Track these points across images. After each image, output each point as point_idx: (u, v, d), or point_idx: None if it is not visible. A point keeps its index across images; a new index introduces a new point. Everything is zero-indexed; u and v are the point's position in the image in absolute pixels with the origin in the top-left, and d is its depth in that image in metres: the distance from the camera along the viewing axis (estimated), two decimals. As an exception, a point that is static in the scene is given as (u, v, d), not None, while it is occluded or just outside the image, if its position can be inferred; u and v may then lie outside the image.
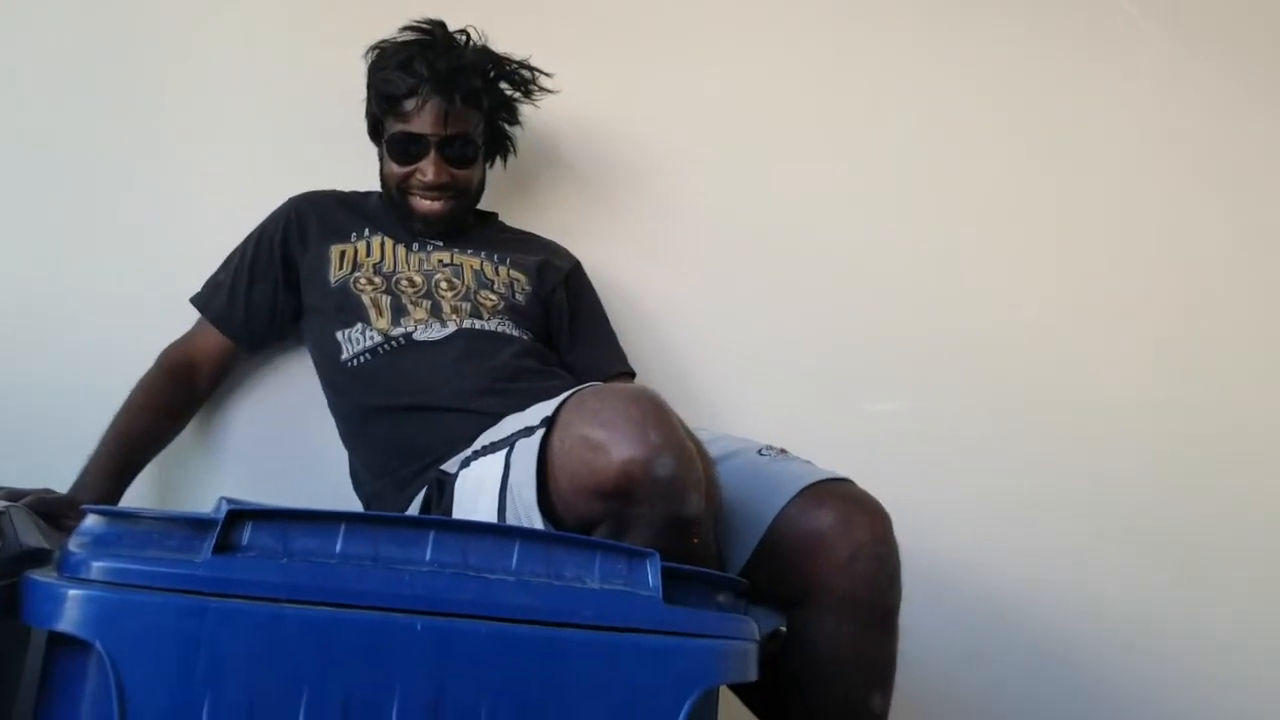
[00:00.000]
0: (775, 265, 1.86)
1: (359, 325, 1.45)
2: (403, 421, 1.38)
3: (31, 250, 1.61)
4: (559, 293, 1.61)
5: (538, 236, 1.69)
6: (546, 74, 1.61)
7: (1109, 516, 1.87)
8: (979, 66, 1.99)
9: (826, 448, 1.31)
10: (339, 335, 1.46)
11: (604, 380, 1.53)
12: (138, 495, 1.46)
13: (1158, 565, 1.87)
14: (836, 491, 1.20)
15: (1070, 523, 1.85)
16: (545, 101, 1.64)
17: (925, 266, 1.91)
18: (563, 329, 1.61)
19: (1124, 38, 2.02)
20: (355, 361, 1.44)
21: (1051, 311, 1.94)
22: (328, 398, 1.51)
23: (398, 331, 1.44)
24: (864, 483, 1.24)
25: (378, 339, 1.44)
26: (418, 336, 1.44)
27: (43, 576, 0.80)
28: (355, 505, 1.47)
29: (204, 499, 1.56)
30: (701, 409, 1.67)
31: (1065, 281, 1.95)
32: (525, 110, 1.64)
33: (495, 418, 1.25)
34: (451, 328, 1.45)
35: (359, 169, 1.61)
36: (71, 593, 0.77)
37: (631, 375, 1.64)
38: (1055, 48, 2.01)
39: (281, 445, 1.61)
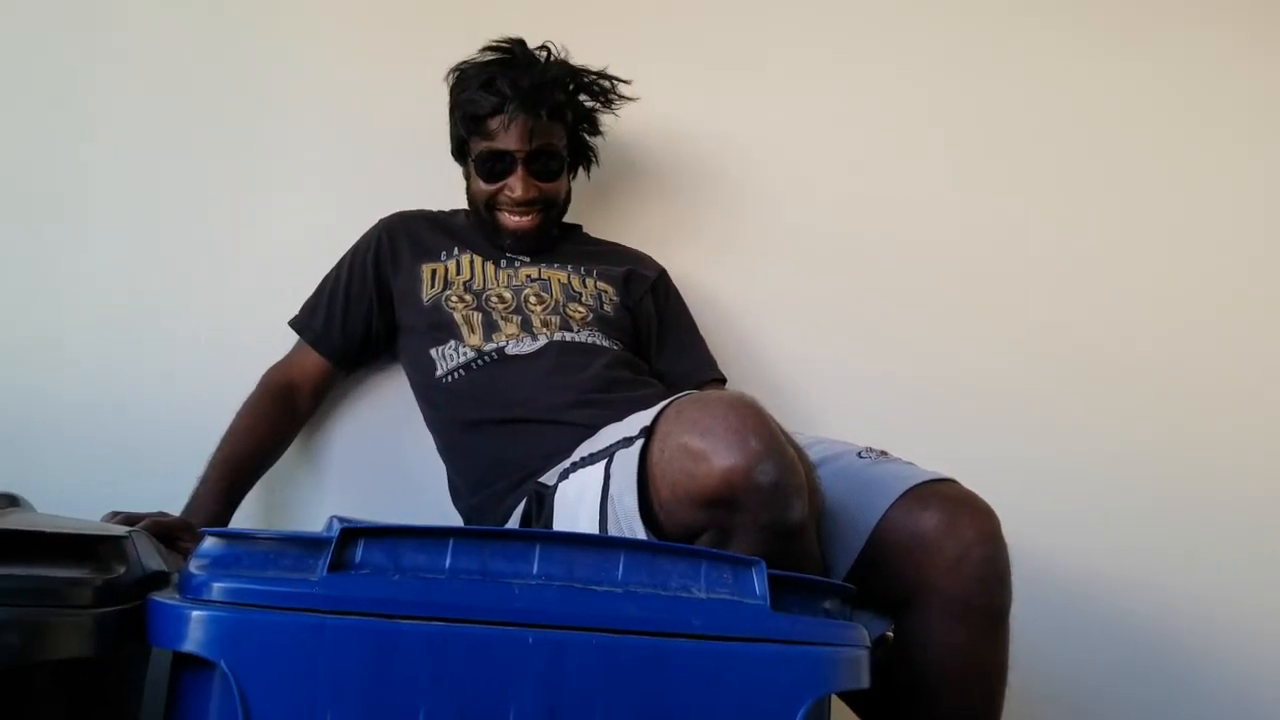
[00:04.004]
0: (862, 269, 1.84)
1: (452, 342, 1.47)
2: (499, 435, 1.40)
3: (129, 280, 1.65)
4: (646, 301, 1.61)
5: (623, 246, 1.69)
6: (625, 81, 1.61)
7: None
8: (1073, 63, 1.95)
9: (920, 451, 1.29)
10: (433, 352, 1.48)
11: (696, 388, 1.53)
12: (245, 515, 1.49)
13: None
14: (941, 492, 1.17)
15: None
16: (625, 110, 1.64)
17: (1018, 268, 1.87)
18: (651, 337, 1.61)
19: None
20: (450, 378, 1.46)
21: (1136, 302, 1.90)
22: (424, 414, 1.53)
23: (490, 347, 1.46)
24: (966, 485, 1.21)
25: (471, 355, 1.46)
26: (510, 350, 1.45)
27: (166, 599, 0.83)
28: (454, 519, 1.49)
29: (307, 517, 1.60)
30: (791, 415, 1.65)
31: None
32: (605, 119, 1.65)
33: (591, 429, 1.25)
34: (543, 340, 1.46)
35: (446, 189, 1.63)
36: (195, 614, 0.79)
37: (723, 381, 1.63)
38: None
39: (381, 462, 1.64)
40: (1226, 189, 1.95)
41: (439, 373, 1.47)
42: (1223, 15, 1.99)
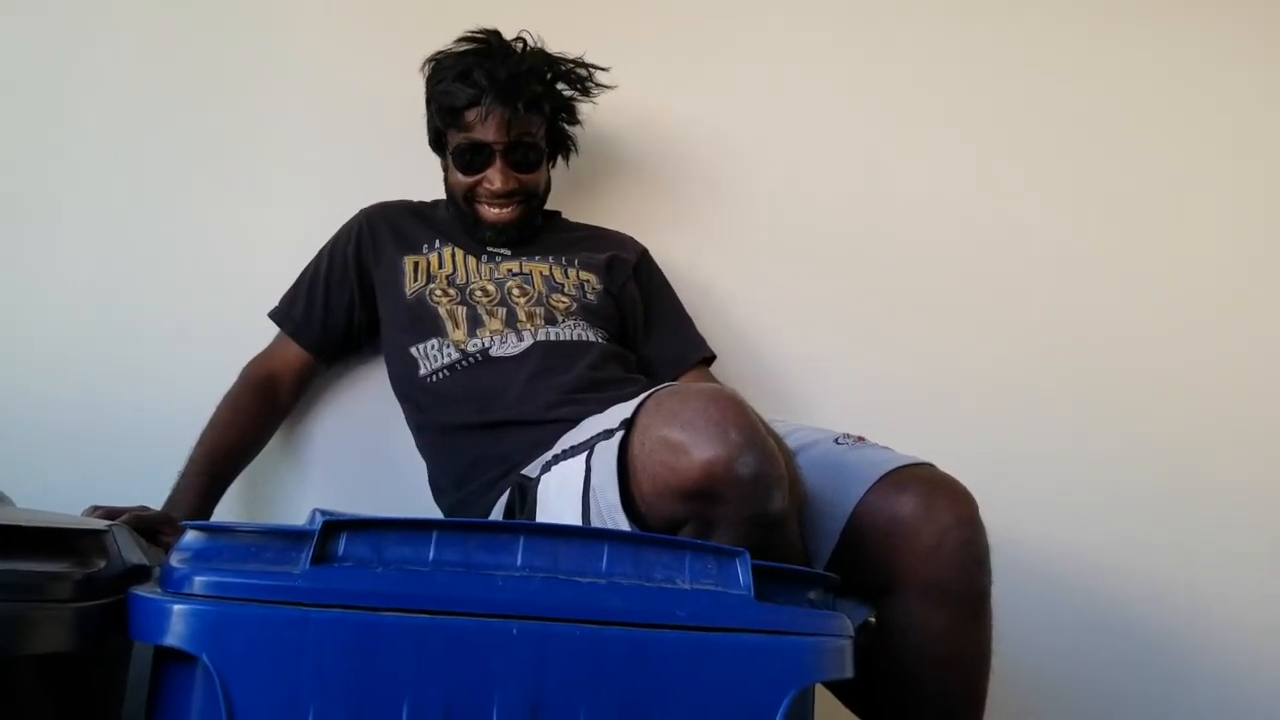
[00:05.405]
0: (842, 256, 1.85)
1: (434, 340, 1.46)
2: (482, 437, 1.39)
3: (107, 273, 1.63)
4: (630, 287, 1.60)
5: (602, 229, 1.69)
6: (603, 69, 1.60)
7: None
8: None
9: (898, 436, 1.29)
10: (415, 350, 1.46)
11: (686, 368, 1.53)
12: (227, 509, 1.49)
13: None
14: (918, 476, 1.17)
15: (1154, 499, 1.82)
16: (603, 97, 1.62)
17: (1018, 268, 1.89)
18: (638, 320, 1.60)
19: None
20: (433, 378, 1.44)
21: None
22: (404, 411, 1.52)
23: (474, 347, 1.44)
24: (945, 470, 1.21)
25: (455, 355, 1.44)
26: (494, 352, 1.43)
27: (147, 592, 0.82)
28: (437, 512, 1.48)
29: (290, 511, 1.59)
30: (771, 400, 1.66)
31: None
32: (583, 107, 1.63)
33: (574, 423, 1.25)
34: (527, 340, 1.44)
35: (426, 179, 1.62)
36: (177, 608, 0.79)
37: (712, 358, 1.63)
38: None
39: (365, 455, 1.63)
40: (1227, 188, 1.96)
41: (423, 372, 1.45)
42: (1223, 15, 2.00)
